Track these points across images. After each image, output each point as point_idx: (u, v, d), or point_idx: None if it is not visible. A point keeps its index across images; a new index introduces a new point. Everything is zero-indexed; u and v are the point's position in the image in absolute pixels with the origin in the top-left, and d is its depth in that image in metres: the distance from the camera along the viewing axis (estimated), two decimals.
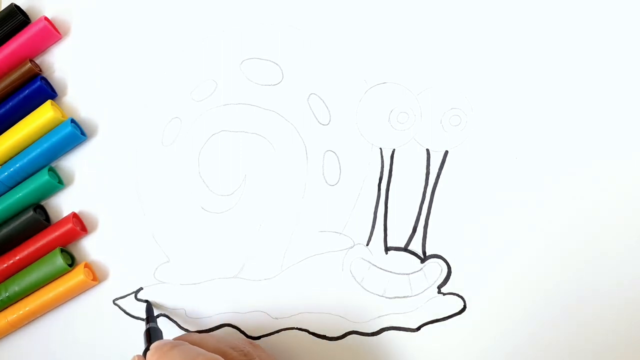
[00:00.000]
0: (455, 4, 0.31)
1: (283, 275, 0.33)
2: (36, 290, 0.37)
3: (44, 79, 0.38)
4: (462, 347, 0.30)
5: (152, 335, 0.32)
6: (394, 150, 0.32)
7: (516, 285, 0.29)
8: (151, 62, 0.37)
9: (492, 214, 0.30)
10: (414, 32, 0.32)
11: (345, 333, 0.32)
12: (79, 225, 0.37)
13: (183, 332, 0.35)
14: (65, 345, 0.38)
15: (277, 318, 0.33)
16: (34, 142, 0.38)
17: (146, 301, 0.36)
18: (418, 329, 0.31)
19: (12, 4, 0.38)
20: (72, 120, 0.37)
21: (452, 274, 0.30)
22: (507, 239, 0.29)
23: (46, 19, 0.38)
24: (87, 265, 0.37)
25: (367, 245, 0.32)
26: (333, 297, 0.32)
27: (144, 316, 0.36)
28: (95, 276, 0.37)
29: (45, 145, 0.37)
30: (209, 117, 0.35)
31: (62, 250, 0.37)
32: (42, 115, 0.37)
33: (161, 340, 0.30)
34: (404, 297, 0.31)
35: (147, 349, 0.30)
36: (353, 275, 0.32)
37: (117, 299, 0.37)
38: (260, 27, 0.35)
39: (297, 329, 0.33)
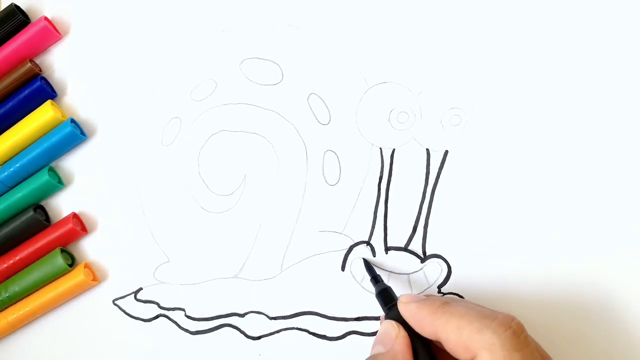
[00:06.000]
0: (455, 4, 0.31)
1: (283, 275, 0.33)
2: (36, 291, 0.37)
3: (44, 79, 0.38)
4: None
5: (390, 295, 0.28)
6: (394, 150, 0.32)
7: (516, 285, 0.29)
8: (151, 62, 0.37)
9: (492, 214, 0.30)
10: (414, 32, 0.32)
11: (345, 333, 0.32)
12: (79, 226, 0.37)
13: (183, 332, 0.35)
14: (65, 346, 0.38)
15: (276, 318, 0.33)
16: (34, 142, 0.38)
17: (363, 260, 0.32)
18: None
19: (12, 4, 0.38)
20: (72, 120, 0.37)
21: (452, 274, 0.30)
22: (507, 239, 0.29)
23: (46, 19, 0.38)
24: (87, 266, 0.37)
25: (367, 245, 0.32)
26: (333, 297, 0.32)
27: (146, 316, 0.36)
28: (95, 276, 0.37)
29: (45, 145, 0.37)
30: (209, 117, 0.35)
31: (62, 251, 0.37)
32: (42, 115, 0.37)
33: (410, 294, 0.27)
34: None
35: (390, 308, 0.27)
36: (353, 275, 0.32)
37: (117, 299, 0.37)
38: (260, 27, 0.35)
39: (297, 329, 0.33)
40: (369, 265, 0.31)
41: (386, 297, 0.28)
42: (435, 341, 0.24)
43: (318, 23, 0.34)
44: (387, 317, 0.27)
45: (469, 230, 0.30)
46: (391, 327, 0.25)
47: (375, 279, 0.30)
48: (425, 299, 0.25)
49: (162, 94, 0.37)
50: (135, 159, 0.37)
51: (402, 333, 0.25)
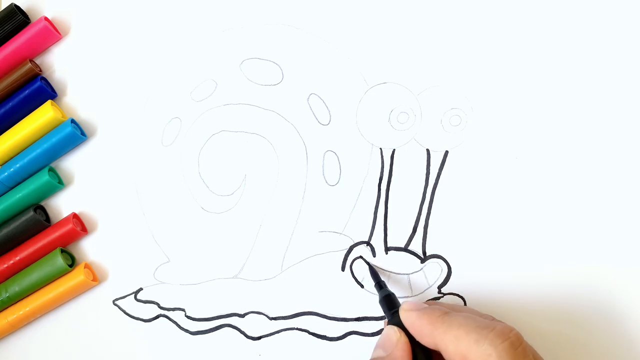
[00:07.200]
0: (455, 4, 0.31)
1: (283, 276, 0.33)
2: (36, 291, 0.37)
3: (44, 79, 0.38)
4: None
5: (393, 301, 0.29)
6: (394, 150, 0.32)
7: (516, 285, 0.29)
8: (151, 62, 0.37)
9: (492, 214, 0.30)
10: (414, 32, 0.32)
11: (345, 333, 0.32)
12: (79, 226, 0.37)
13: (183, 333, 0.35)
14: (65, 346, 0.38)
15: (277, 318, 0.33)
16: (34, 142, 0.38)
17: (367, 263, 0.32)
18: None
19: (12, 4, 0.38)
20: (72, 121, 0.37)
21: (452, 274, 0.30)
22: (507, 238, 0.29)
23: (46, 19, 0.38)
24: (87, 266, 0.37)
25: (367, 245, 0.32)
26: (333, 297, 0.32)
27: (146, 316, 0.36)
28: (95, 276, 0.37)
29: (45, 146, 0.37)
30: (209, 117, 0.35)
31: (62, 251, 0.37)
32: (42, 116, 0.37)
33: (412, 302, 0.26)
34: (404, 297, 0.31)
35: (393, 314, 0.27)
36: (353, 275, 0.32)
37: (117, 299, 0.37)
38: (260, 27, 0.35)
39: (297, 329, 0.33)
40: (373, 271, 0.31)
41: (389, 303, 0.29)
42: (435, 350, 0.24)
43: (318, 23, 0.34)
44: (390, 322, 0.27)
45: (469, 231, 0.30)
46: (392, 332, 0.26)
47: (380, 285, 0.30)
48: (426, 308, 0.25)
49: (162, 94, 0.37)
50: (135, 159, 0.37)
51: (403, 339, 0.25)
